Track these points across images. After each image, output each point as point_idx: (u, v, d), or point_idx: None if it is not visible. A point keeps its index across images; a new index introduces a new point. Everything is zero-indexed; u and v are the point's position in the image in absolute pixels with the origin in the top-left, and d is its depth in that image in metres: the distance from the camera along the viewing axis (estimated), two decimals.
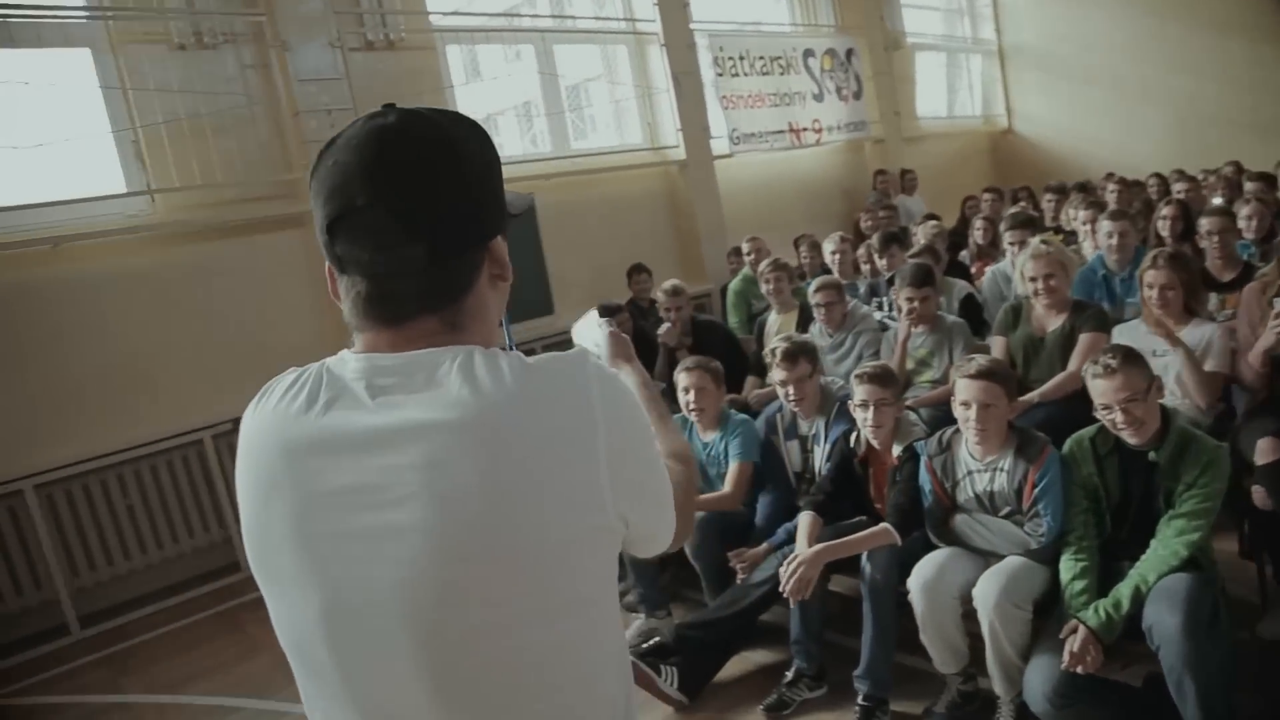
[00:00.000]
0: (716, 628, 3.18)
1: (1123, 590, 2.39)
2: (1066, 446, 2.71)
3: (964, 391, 2.75)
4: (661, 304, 5.23)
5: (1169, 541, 2.41)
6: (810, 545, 2.95)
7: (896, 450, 3.10)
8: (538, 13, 7.83)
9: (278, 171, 5.44)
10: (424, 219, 0.90)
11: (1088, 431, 2.67)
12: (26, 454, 4.50)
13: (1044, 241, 3.85)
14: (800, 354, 3.47)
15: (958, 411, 2.80)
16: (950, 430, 2.92)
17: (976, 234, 6.04)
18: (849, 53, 9.45)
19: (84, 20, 4.92)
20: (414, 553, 0.85)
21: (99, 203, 4.86)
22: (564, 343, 6.27)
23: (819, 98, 9.06)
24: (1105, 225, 4.36)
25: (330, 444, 0.89)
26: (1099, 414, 2.55)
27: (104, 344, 4.78)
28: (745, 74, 8.31)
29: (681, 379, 3.68)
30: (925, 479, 2.93)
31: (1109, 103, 11.09)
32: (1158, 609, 2.29)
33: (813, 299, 4.58)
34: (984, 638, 2.56)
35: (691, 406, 3.65)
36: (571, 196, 7.03)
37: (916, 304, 4.10)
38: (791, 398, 3.48)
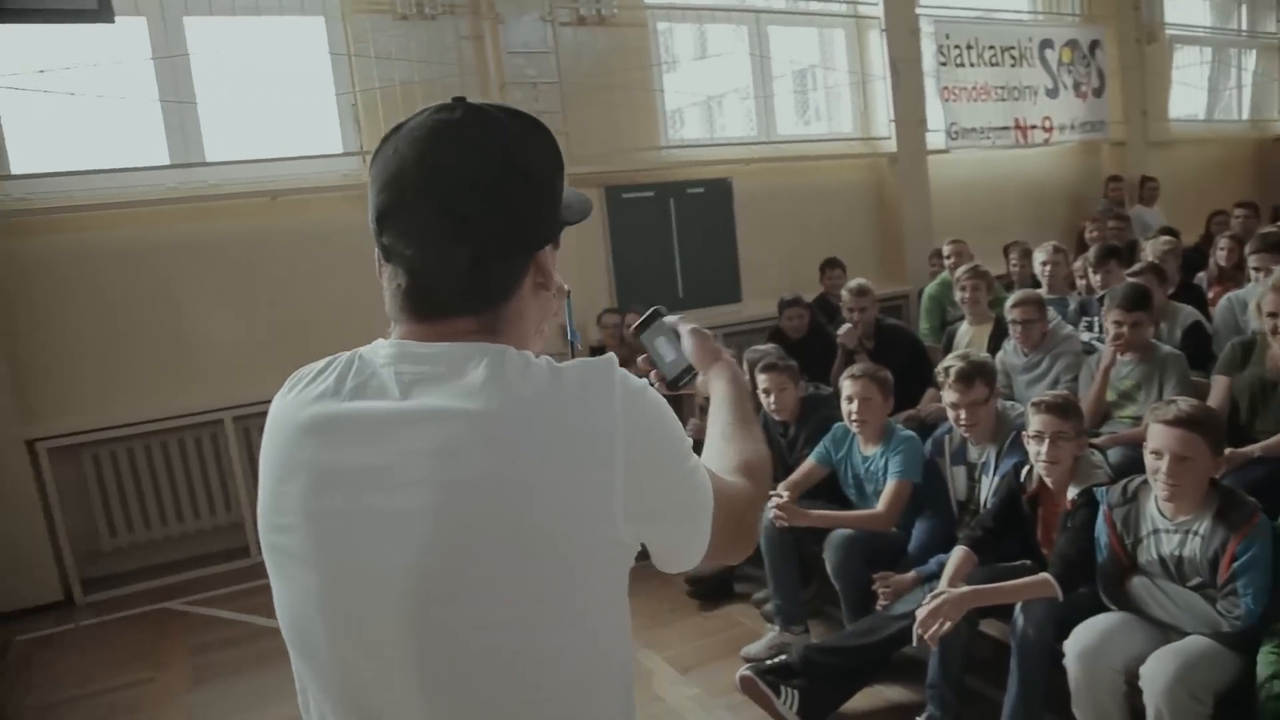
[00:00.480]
0: (847, 655, 2.97)
1: None
2: None
3: (1157, 438, 2.39)
4: (845, 303, 5.00)
5: None
6: (958, 584, 2.70)
7: (1072, 493, 2.77)
8: None
9: None
10: (470, 222, 0.90)
11: None
12: (234, 387, 4.91)
13: None
14: (977, 376, 3.18)
15: (1148, 460, 2.45)
16: (1139, 479, 2.56)
17: (1219, 254, 5.34)
18: (1093, 45, 8.62)
19: None
20: (414, 538, 0.84)
21: (314, 161, 5.21)
22: (747, 332, 6.21)
23: (1053, 93, 8.34)
24: None
25: (352, 425, 0.89)
26: None
27: (310, 291, 5.15)
28: (971, 64, 7.75)
29: (846, 386, 3.48)
30: (1102, 530, 2.60)
31: None
32: None
33: (1010, 314, 4.20)
34: None
35: (854, 417, 3.45)
36: (771, 183, 6.86)
37: (1125, 329, 3.66)
38: (963, 422, 3.20)
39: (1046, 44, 8.28)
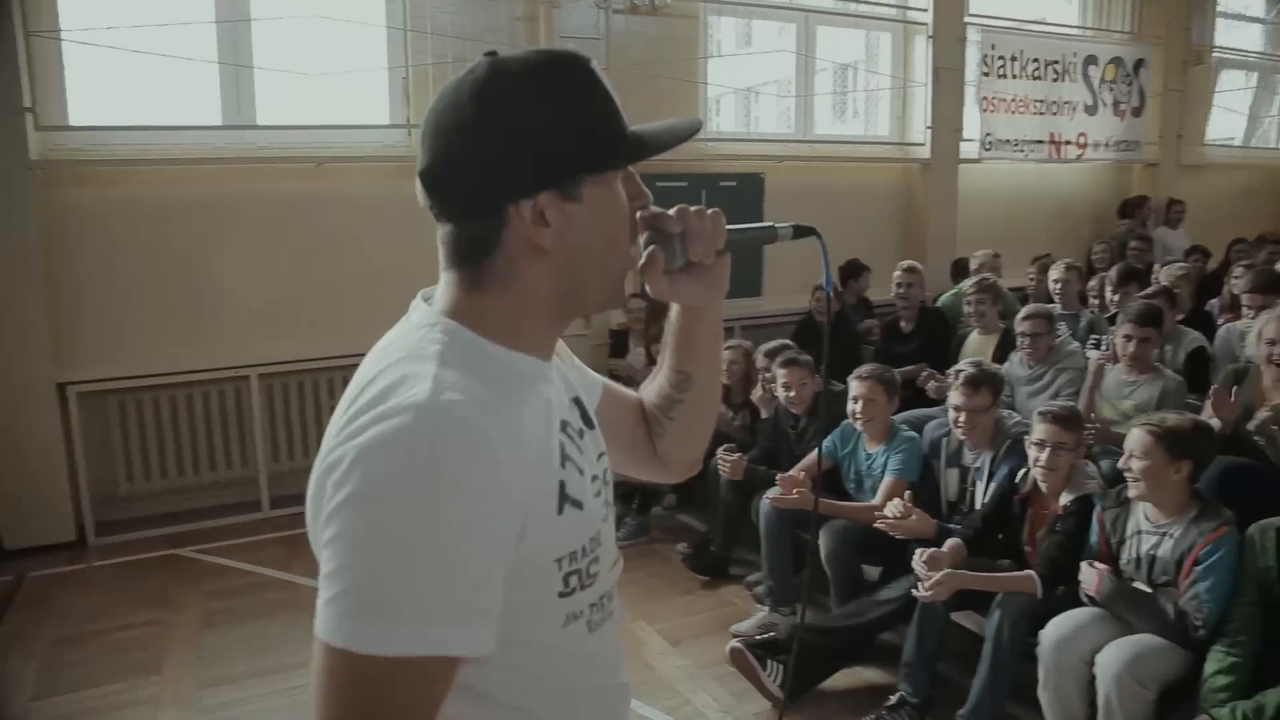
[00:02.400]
0: (832, 636, 3.16)
1: (1270, 698, 2.18)
2: (1250, 530, 2.47)
3: (1131, 443, 2.58)
4: (895, 279, 5.46)
5: None
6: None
7: (1065, 499, 2.94)
8: None
9: None
10: (440, 176, 0.89)
11: (1278, 521, 2.42)
12: (260, 345, 5.11)
13: None
14: (984, 383, 3.34)
15: (1122, 463, 2.63)
16: None
17: (1234, 282, 5.43)
18: (1138, 64, 8.63)
19: None
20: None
21: (361, 130, 5.41)
22: (765, 326, 6.30)
23: (1091, 110, 8.37)
24: None
25: None
26: None
27: (345, 257, 5.33)
28: (1014, 76, 7.81)
29: (853, 387, 3.63)
30: (1093, 529, 2.80)
31: None
32: None
33: (1019, 326, 4.34)
34: (1098, 708, 2.41)
35: (858, 416, 3.61)
36: (802, 180, 6.95)
37: (1133, 344, 3.79)
38: (961, 424, 3.35)
39: (1091, 60, 8.31)
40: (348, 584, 0.76)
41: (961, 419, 3.34)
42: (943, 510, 3.50)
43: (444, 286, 0.94)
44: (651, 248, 1.00)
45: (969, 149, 7.67)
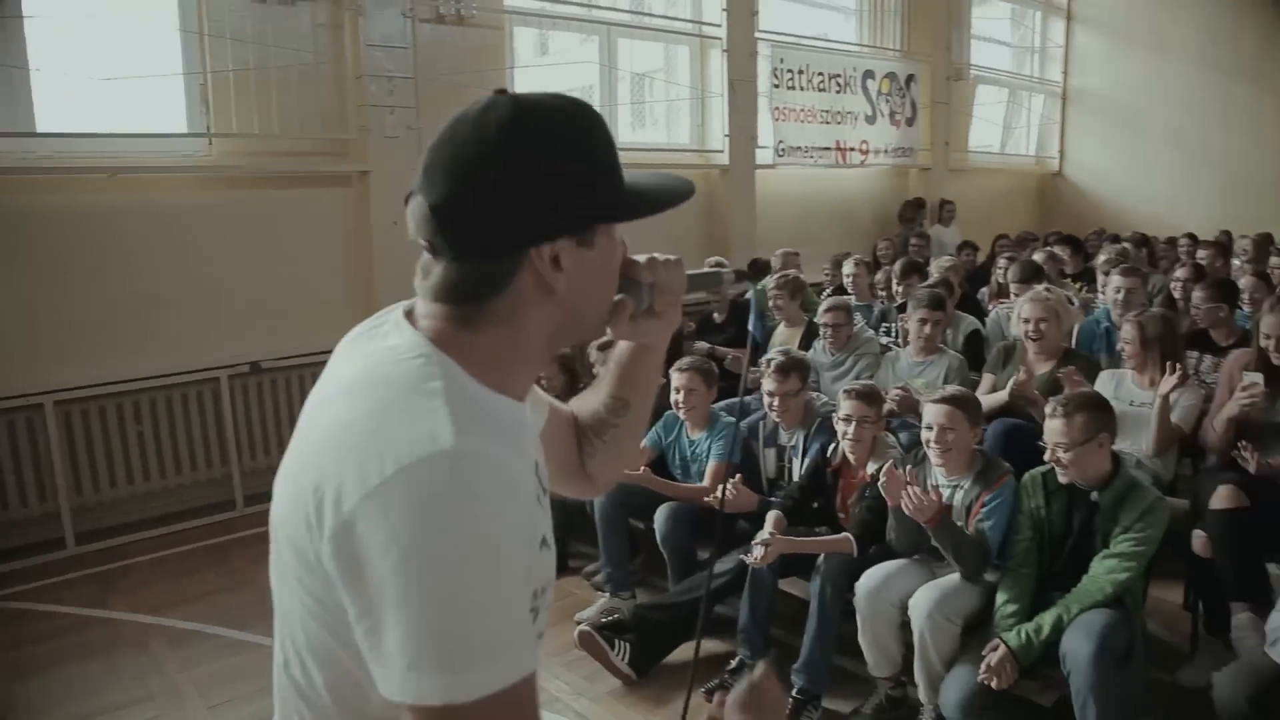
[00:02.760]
0: (674, 610, 3.35)
1: (1045, 618, 2.54)
2: (1024, 478, 2.86)
3: (928, 415, 2.91)
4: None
5: (1098, 578, 2.56)
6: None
7: (871, 468, 3.25)
8: (610, 5, 7.92)
9: (332, 130, 5.65)
10: (457, 212, 0.88)
11: (1044, 468, 2.82)
12: (53, 370, 4.68)
13: (1046, 289, 3.97)
14: (793, 369, 3.64)
15: (924, 434, 2.97)
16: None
17: (999, 273, 6.14)
18: (910, 78, 9.51)
19: None
20: (280, 487, 0.93)
21: (158, 139, 5.11)
22: None
23: (871, 120, 9.14)
24: (1115, 279, 4.46)
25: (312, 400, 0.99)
26: (1047, 452, 2.71)
27: (144, 274, 4.99)
28: (801, 88, 8.42)
29: (675, 379, 3.84)
30: None
31: (1164, 158, 11.05)
32: (1074, 637, 2.45)
33: (821, 318, 4.74)
34: (914, 646, 2.72)
35: (680, 405, 3.83)
36: None
37: (928, 326, 4.26)
38: (775, 408, 3.64)
39: (869, 74, 9.08)
40: (426, 643, 0.77)
41: (775, 403, 3.62)
42: (764, 486, 3.77)
43: (428, 315, 0.93)
44: (621, 296, 1.04)
45: (765, 155, 8.19)
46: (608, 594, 3.86)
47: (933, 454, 2.93)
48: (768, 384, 3.64)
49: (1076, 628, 2.46)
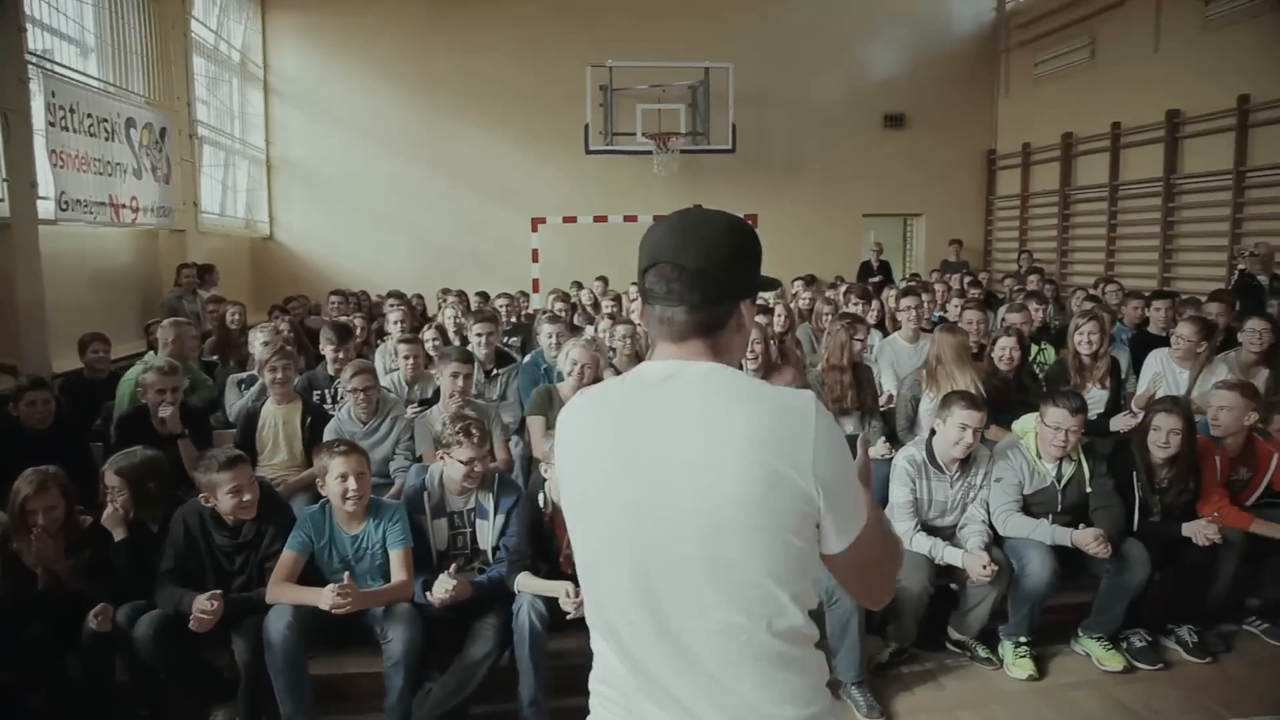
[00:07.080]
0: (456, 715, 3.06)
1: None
2: None
3: None
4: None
5: None
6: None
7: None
8: None
9: None
10: (703, 277, 1.35)
11: None
12: None
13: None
14: (487, 435, 3.59)
15: None
16: None
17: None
18: (163, 131, 8.76)
19: None
20: (696, 485, 1.29)
21: None
22: None
23: (138, 174, 8.17)
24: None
25: (637, 400, 1.36)
26: None
27: None
28: (75, 130, 7.08)
29: (338, 465, 3.38)
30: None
31: (364, 224, 12.52)
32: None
33: (349, 384, 4.50)
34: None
35: (349, 495, 3.38)
36: None
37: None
38: (476, 473, 3.52)
39: (131, 122, 8.07)
40: (858, 491, 1.36)
41: (476, 468, 3.51)
42: (433, 559, 3.56)
43: (689, 348, 1.38)
44: None
45: (47, 209, 6.71)
46: None
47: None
48: (464, 452, 3.48)
49: None
